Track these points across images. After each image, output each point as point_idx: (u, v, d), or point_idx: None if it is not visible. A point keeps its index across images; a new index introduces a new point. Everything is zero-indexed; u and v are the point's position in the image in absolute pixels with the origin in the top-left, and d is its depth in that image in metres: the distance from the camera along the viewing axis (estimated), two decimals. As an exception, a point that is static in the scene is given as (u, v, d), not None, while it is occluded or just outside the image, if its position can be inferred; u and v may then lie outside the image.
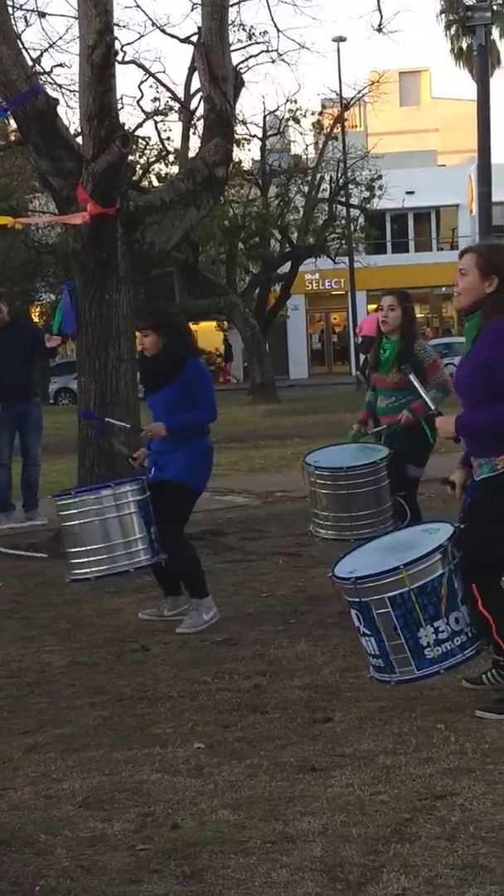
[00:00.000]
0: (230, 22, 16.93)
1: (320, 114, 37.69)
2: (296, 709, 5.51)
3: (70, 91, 21.13)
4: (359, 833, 4.03)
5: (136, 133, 31.62)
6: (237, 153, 35.16)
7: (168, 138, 34.90)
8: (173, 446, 7.28)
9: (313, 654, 6.44)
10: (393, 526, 7.24)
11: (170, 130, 65.55)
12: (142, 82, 46.02)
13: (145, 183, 31.09)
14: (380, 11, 18.40)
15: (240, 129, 34.98)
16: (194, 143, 27.37)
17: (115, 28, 10.41)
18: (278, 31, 33.97)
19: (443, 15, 54.26)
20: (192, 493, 7.37)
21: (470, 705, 5.33)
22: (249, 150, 38.26)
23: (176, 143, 33.56)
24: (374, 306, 18.04)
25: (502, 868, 3.70)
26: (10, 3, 15.94)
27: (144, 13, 60.33)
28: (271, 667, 6.25)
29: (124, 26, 39.09)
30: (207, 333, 51.57)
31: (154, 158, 34.79)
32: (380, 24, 16.84)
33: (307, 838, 4.01)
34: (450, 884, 3.62)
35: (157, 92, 33.86)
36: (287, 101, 36.22)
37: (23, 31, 21.53)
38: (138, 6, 37.11)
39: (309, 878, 3.71)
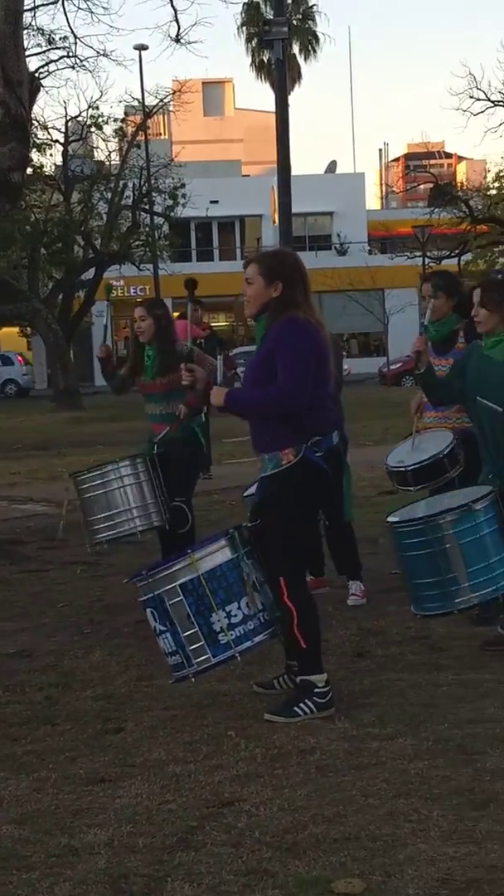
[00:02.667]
0: (26, 26, 16.71)
1: (123, 121, 37.63)
2: (87, 720, 5.47)
3: None
4: (145, 843, 4.03)
5: None
6: (38, 158, 34.82)
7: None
8: None
9: (108, 664, 6.41)
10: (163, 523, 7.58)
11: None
12: None
13: None
14: (177, 23, 18.56)
15: (41, 134, 34.65)
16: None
17: None
18: (76, 37, 33.67)
19: (244, 28, 55.03)
20: None
21: (261, 711, 5.39)
22: (51, 155, 37.93)
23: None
24: (178, 314, 18.12)
25: (285, 872, 3.76)
26: None
27: None
28: (64, 678, 6.20)
29: None
30: (10, 339, 50.83)
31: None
32: (177, 35, 16.97)
33: (92, 851, 3.99)
34: (233, 890, 3.65)
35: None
36: (89, 107, 36.05)
37: None
38: None
39: (92, 891, 3.68)
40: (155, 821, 4.22)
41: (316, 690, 5.32)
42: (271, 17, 17.04)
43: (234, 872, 3.77)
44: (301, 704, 5.30)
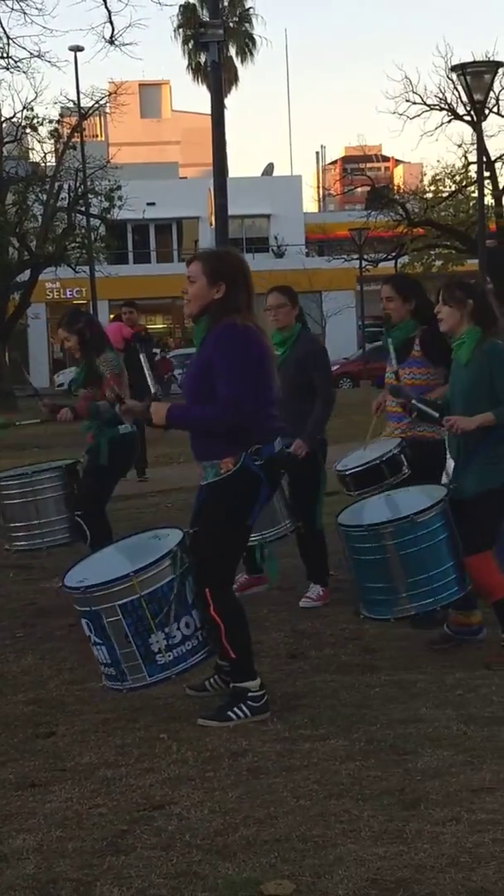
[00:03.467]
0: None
1: (58, 122, 37.39)
2: (18, 724, 5.43)
3: None
4: (74, 847, 4.00)
5: None
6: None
7: None
8: None
9: (40, 668, 6.36)
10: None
11: None
12: None
13: None
14: (111, 24, 18.50)
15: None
16: None
17: None
18: (9, 38, 33.31)
19: (180, 30, 55.02)
20: None
21: (194, 713, 5.38)
22: (-15, 156, 37.52)
23: None
24: (113, 315, 18.06)
25: (215, 875, 3.75)
26: None
27: None
28: (-5, 682, 6.14)
29: None
30: None
31: None
32: (111, 37, 16.91)
33: (21, 856, 3.95)
34: (162, 893, 3.64)
35: None
36: (24, 108, 35.75)
37: None
38: None
39: (20, 897, 3.66)
40: (85, 825, 4.20)
41: (250, 695, 5.31)
42: (207, 20, 17.00)
43: (163, 875, 3.75)
44: (235, 709, 5.29)
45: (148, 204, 46.97)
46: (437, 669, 5.90)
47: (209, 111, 17.04)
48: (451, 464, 7.03)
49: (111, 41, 17.76)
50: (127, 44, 38.77)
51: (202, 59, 49.25)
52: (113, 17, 18.38)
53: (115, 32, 20.85)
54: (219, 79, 17.06)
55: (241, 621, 5.33)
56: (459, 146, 39.37)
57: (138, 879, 3.73)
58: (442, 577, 5.84)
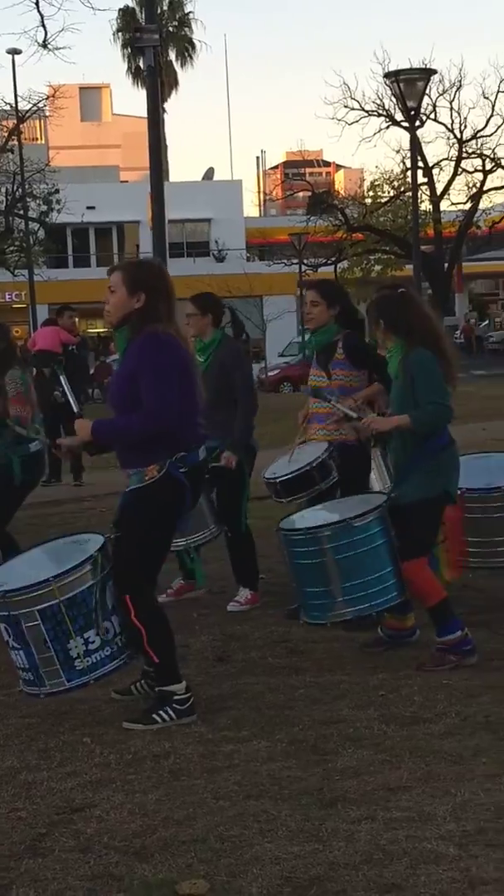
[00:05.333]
0: None
1: (-5, 125, 37.25)
2: None
3: None
4: (-8, 851, 4.02)
5: None
6: None
7: None
8: None
9: (-34, 674, 6.34)
10: None
11: None
12: None
13: None
14: (44, 28, 18.46)
15: None
16: None
17: None
18: None
19: (119, 34, 54.93)
20: None
21: (119, 717, 5.41)
22: None
23: None
24: (46, 319, 18.01)
25: (131, 876, 3.79)
26: None
27: None
28: None
29: None
30: None
31: None
32: (45, 41, 16.89)
33: None
34: (77, 895, 3.67)
35: None
36: (-40, 110, 35.60)
37: None
38: None
39: None
40: (3, 829, 4.21)
41: (175, 698, 5.33)
42: (143, 24, 17.01)
43: (80, 878, 3.78)
44: (160, 712, 5.32)
45: (88, 208, 46.85)
46: (362, 671, 5.97)
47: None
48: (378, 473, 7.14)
49: (44, 45, 17.74)
50: (61, 48, 38.73)
51: (141, 62, 49.25)
52: (46, 21, 18.29)
53: (49, 36, 20.79)
54: (155, 83, 17.08)
55: (162, 626, 5.36)
56: (398, 152, 39.76)
57: (54, 882, 3.76)
58: (379, 583, 5.92)
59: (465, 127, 39.43)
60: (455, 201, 41.47)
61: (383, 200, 41.20)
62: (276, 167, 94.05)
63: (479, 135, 39.46)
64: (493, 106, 38.99)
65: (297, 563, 6.06)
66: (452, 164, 39.91)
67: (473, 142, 39.62)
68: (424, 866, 3.74)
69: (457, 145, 39.60)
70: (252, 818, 4.21)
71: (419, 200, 26.22)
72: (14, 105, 36.19)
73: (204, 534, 7.51)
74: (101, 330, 51.61)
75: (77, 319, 15.49)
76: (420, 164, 35.38)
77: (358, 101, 38.58)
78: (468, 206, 40.67)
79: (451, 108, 39.41)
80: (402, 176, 39.48)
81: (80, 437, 5.39)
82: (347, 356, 7.01)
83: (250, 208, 64.82)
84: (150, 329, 5.28)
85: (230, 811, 4.29)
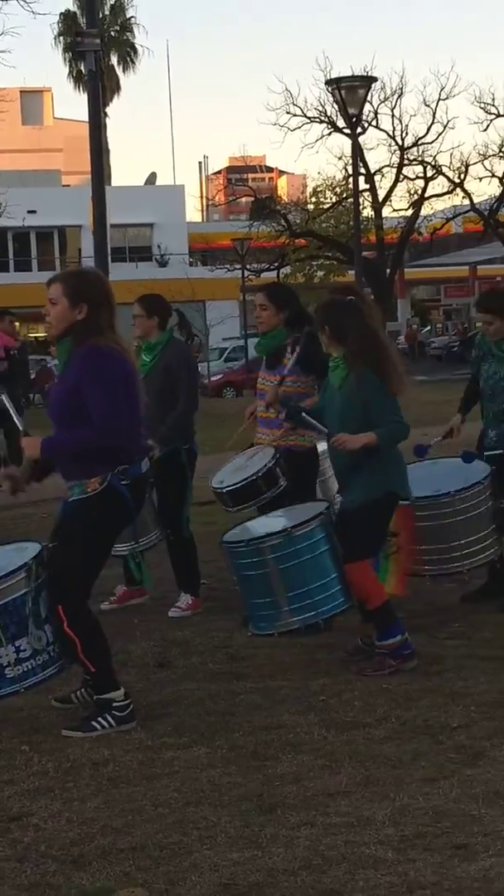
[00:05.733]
0: None
1: None
2: None
3: None
4: None
5: None
6: None
7: None
8: None
9: None
10: None
11: None
12: None
13: None
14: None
15: None
16: None
17: None
18: None
19: (61, 38, 54.74)
20: None
21: (57, 725, 5.38)
22: None
23: None
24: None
25: (68, 885, 3.76)
26: None
27: None
28: None
29: None
30: None
31: None
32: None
33: None
34: (14, 905, 3.64)
35: None
36: None
37: None
38: None
39: None
40: None
41: (114, 705, 5.31)
42: (84, 29, 16.91)
43: (16, 887, 3.75)
44: (99, 719, 5.29)
45: (29, 212, 46.56)
46: (303, 676, 5.98)
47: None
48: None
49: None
50: (1, 51, 38.58)
51: (83, 67, 49.08)
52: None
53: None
54: (97, 88, 17.00)
55: (97, 635, 5.33)
56: (340, 158, 39.88)
57: (-9, 892, 3.72)
58: (324, 590, 5.93)
59: (407, 134, 39.67)
60: (397, 208, 41.78)
61: (326, 206, 41.33)
62: (218, 172, 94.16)
63: (420, 142, 39.72)
64: (434, 114, 39.25)
65: (243, 575, 6.07)
66: (394, 170, 40.13)
67: (415, 149, 39.88)
68: (363, 871, 3.75)
69: (398, 152, 39.82)
70: (191, 825, 4.20)
71: (361, 207, 26.37)
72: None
73: (148, 539, 7.47)
74: (42, 334, 51.39)
75: (17, 324, 15.41)
76: (362, 170, 35.60)
77: (300, 108, 38.67)
78: (410, 212, 40.93)
79: (393, 116, 39.60)
80: (344, 182, 39.61)
81: (29, 454, 5.35)
82: (300, 359, 6.96)
83: (193, 213, 64.88)
84: (92, 342, 5.24)
85: (169, 818, 4.28)
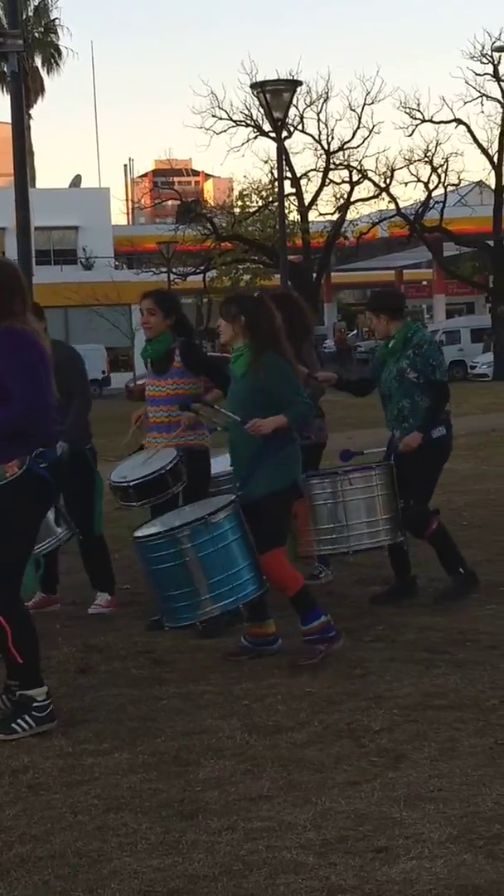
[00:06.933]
0: None
1: None
2: None
3: None
4: None
5: None
6: None
7: None
8: None
9: None
10: None
11: None
12: None
13: None
14: None
15: None
16: None
17: None
18: None
19: (-15, 37, 54.30)
20: None
21: (-23, 732, 5.30)
22: None
23: None
24: None
25: (-8, 897, 3.70)
26: None
27: None
28: None
29: None
30: None
31: None
32: None
33: None
34: None
35: None
36: None
37: None
38: None
39: None
40: None
41: (35, 704, 5.26)
42: (6, 30, 16.79)
43: None
44: (20, 720, 5.24)
45: (-48, 214, 46.05)
46: (225, 680, 5.95)
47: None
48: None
49: None
50: None
51: (5, 68, 48.73)
52: None
53: None
54: (20, 89, 16.85)
55: (27, 625, 5.30)
56: (266, 162, 40.07)
57: None
58: (240, 576, 6.02)
59: (333, 138, 39.98)
60: (323, 212, 42.04)
61: (252, 210, 41.49)
62: (144, 175, 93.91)
63: (346, 146, 40.04)
64: (360, 118, 39.62)
65: (157, 569, 6.05)
66: (320, 175, 40.42)
67: (340, 153, 40.18)
68: (284, 876, 3.73)
69: (324, 156, 40.08)
70: (111, 832, 4.16)
71: (287, 210, 26.48)
72: None
73: (54, 539, 7.34)
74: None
75: None
76: (288, 174, 35.74)
77: (226, 111, 38.88)
78: (336, 216, 41.21)
79: (319, 120, 39.91)
80: (270, 186, 39.79)
81: None
82: (184, 363, 7.12)
83: (118, 216, 64.62)
84: (7, 323, 5.26)
85: (89, 825, 4.23)
